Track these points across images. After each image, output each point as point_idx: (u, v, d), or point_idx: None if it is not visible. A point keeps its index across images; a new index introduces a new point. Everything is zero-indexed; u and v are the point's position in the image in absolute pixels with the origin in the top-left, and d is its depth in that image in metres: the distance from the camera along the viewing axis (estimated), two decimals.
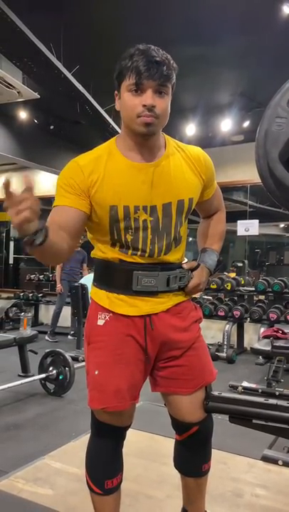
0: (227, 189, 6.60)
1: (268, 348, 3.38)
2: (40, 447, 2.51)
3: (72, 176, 1.27)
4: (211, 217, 1.55)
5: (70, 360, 3.61)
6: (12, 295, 7.78)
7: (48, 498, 1.91)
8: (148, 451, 2.36)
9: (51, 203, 1.28)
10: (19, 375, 3.96)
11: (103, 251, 1.34)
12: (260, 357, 4.84)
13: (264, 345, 3.66)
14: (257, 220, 6.09)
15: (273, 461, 2.26)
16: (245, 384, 3.51)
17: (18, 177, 8.23)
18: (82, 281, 5.50)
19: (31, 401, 3.55)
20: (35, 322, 7.16)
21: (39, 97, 4.56)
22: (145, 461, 2.25)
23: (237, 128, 6.01)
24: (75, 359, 4.00)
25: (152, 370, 1.40)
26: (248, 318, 5.41)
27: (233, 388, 3.50)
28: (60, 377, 3.62)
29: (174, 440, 1.50)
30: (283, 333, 3.35)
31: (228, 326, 5.35)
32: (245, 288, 5.75)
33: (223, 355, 5.08)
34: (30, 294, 7.40)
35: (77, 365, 3.70)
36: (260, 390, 3.36)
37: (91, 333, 1.37)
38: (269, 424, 1.45)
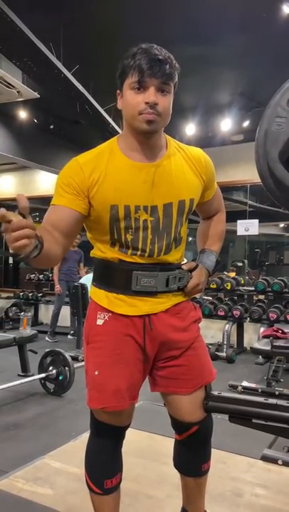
0: (227, 189, 6.60)
1: (268, 348, 3.37)
2: (40, 447, 2.51)
3: (71, 175, 1.27)
4: (210, 218, 1.55)
5: (69, 359, 3.61)
6: (12, 295, 7.78)
7: (48, 498, 1.91)
8: (148, 451, 2.37)
9: (50, 203, 1.28)
10: (19, 375, 3.96)
11: (102, 251, 1.34)
12: (260, 356, 4.84)
13: (264, 345, 3.66)
14: (257, 220, 6.08)
15: (273, 460, 2.26)
16: (244, 384, 3.52)
17: (18, 177, 8.25)
18: (82, 281, 5.50)
19: (31, 401, 3.55)
20: (35, 322, 7.15)
21: (39, 96, 4.56)
22: (145, 460, 2.25)
23: (237, 128, 6.01)
24: (75, 359, 4.00)
25: (152, 370, 1.40)
26: (248, 318, 5.41)
27: (233, 388, 3.51)
28: (60, 377, 3.62)
29: (173, 440, 1.50)
30: (283, 332, 3.35)
31: (227, 325, 5.35)
32: (245, 288, 5.75)
33: (223, 354, 5.08)
34: (30, 294, 7.40)
35: (76, 364, 3.70)
36: (259, 390, 3.37)
37: (90, 332, 1.37)
38: (269, 423, 1.45)
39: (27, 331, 4.05)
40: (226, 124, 5.91)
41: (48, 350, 3.80)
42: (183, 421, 1.41)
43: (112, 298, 1.34)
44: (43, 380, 3.69)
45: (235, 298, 5.74)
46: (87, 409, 1.40)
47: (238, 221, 6.11)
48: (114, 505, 1.42)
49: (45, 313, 7.38)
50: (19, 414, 3.23)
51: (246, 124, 5.90)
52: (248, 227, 6.05)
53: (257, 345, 3.89)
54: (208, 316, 5.48)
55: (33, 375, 3.78)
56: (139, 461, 2.23)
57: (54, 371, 3.64)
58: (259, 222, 6.07)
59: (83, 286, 5.17)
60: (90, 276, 1.68)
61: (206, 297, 5.89)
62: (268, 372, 3.75)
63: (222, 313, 5.47)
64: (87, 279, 5.47)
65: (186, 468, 1.48)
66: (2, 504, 1.88)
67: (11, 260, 9.17)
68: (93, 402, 1.35)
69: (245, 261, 7.27)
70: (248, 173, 6.05)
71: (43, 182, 7.64)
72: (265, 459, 2.28)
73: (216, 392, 1.45)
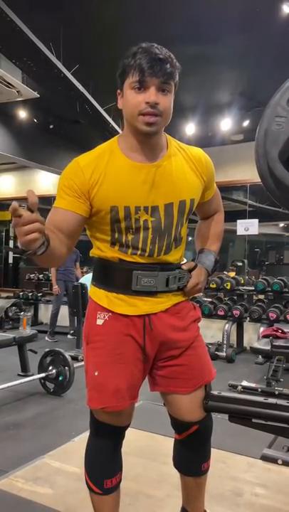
0: (227, 188, 6.60)
1: (268, 348, 3.37)
2: (40, 446, 2.51)
3: (72, 177, 1.27)
4: (209, 218, 1.55)
5: (69, 359, 3.61)
6: (12, 294, 7.78)
7: (48, 498, 1.91)
8: (148, 451, 2.37)
9: (50, 203, 1.28)
10: (19, 375, 3.96)
11: (102, 250, 1.34)
12: (260, 356, 4.84)
13: (263, 345, 3.66)
14: (256, 220, 6.09)
15: (273, 460, 2.26)
16: (244, 383, 3.52)
17: (18, 176, 8.25)
18: (81, 280, 5.50)
19: (31, 400, 3.55)
20: (35, 321, 7.15)
21: (39, 96, 4.56)
22: (145, 460, 2.26)
23: (237, 127, 6.00)
24: (75, 358, 4.00)
25: (151, 370, 1.40)
26: (248, 318, 5.42)
27: (233, 387, 3.51)
28: (60, 377, 3.62)
29: (173, 439, 1.50)
30: (283, 332, 3.35)
31: (227, 325, 5.35)
32: (245, 287, 5.75)
33: (223, 354, 5.08)
34: (30, 294, 7.40)
35: (76, 364, 3.70)
36: (259, 389, 3.37)
37: (90, 332, 1.37)
38: (268, 423, 1.45)
39: (27, 330, 4.05)
40: (225, 124, 5.91)
41: (47, 349, 3.80)
42: (183, 420, 1.41)
43: (112, 298, 1.34)
44: (42, 379, 3.69)
45: (235, 297, 5.74)
46: (87, 408, 1.40)
47: (238, 221, 6.11)
48: (114, 505, 1.42)
49: (45, 312, 7.38)
50: (19, 413, 3.23)
51: (246, 123, 5.90)
52: (248, 227, 6.06)
53: (257, 345, 3.89)
54: (208, 315, 5.48)
55: (32, 375, 3.78)
56: (139, 460, 2.23)
57: (54, 371, 3.64)
58: (259, 221, 6.08)
59: (83, 286, 5.17)
60: (90, 276, 1.68)
61: (205, 298, 5.89)
62: (267, 372, 3.75)
63: (222, 313, 5.47)
64: (86, 278, 5.47)
65: (186, 468, 1.48)
66: (2, 504, 1.88)
67: (11, 260, 9.17)
68: (93, 402, 1.35)
69: (245, 261, 7.27)
70: (247, 173, 6.05)
71: (43, 182, 7.64)
72: (265, 458, 2.28)
73: (215, 392, 1.45)
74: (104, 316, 1.34)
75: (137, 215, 1.27)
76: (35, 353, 4.04)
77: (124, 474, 1.45)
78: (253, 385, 3.52)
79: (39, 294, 7.37)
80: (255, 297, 5.82)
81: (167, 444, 1.64)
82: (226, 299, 5.82)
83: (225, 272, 6.81)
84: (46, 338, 6.02)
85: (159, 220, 1.29)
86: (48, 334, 6.10)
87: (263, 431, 1.51)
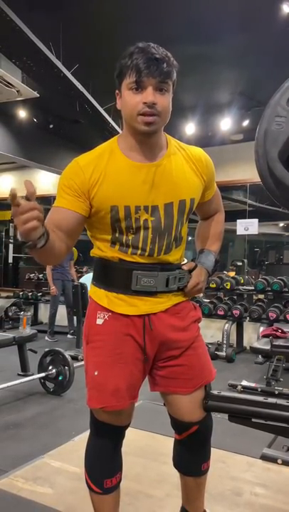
0: (227, 188, 6.60)
1: (268, 347, 3.38)
2: (40, 446, 2.51)
3: (72, 177, 1.27)
4: (209, 219, 1.55)
5: (69, 359, 3.61)
6: (11, 294, 7.77)
7: (48, 497, 1.91)
8: (148, 450, 2.37)
9: (50, 203, 1.28)
10: (19, 374, 3.96)
11: (102, 250, 1.34)
12: (260, 356, 4.84)
13: (263, 345, 3.66)
14: (256, 219, 6.09)
15: (272, 460, 2.26)
16: (244, 383, 3.52)
17: (18, 176, 8.24)
18: (81, 280, 5.51)
19: (31, 400, 3.55)
20: (35, 321, 7.15)
21: (38, 96, 4.56)
22: (145, 460, 2.26)
23: (236, 127, 6.01)
24: (75, 358, 4.00)
25: (151, 370, 1.40)
26: (248, 318, 5.42)
27: (233, 387, 3.51)
28: (60, 377, 3.62)
29: (173, 439, 1.50)
30: (282, 332, 3.36)
31: (227, 325, 5.35)
32: (245, 287, 5.75)
33: (223, 354, 5.08)
34: (30, 293, 7.40)
35: (76, 364, 3.70)
36: (259, 389, 3.37)
37: (90, 332, 1.37)
38: (268, 423, 1.46)
39: (27, 330, 4.04)
40: (225, 124, 5.91)
41: (47, 349, 3.80)
42: (183, 420, 1.41)
43: (112, 297, 1.34)
44: (42, 379, 3.69)
45: (235, 297, 5.74)
46: (86, 408, 1.40)
47: (238, 220, 6.11)
48: (114, 505, 1.42)
49: (45, 312, 7.37)
50: (19, 413, 3.23)
51: (246, 123, 5.90)
52: (248, 227, 6.06)
53: (256, 345, 3.89)
54: (207, 315, 5.48)
55: (32, 375, 3.78)
56: (139, 460, 2.24)
57: (54, 370, 3.64)
58: (259, 221, 6.08)
59: (83, 286, 5.17)
60: (90, 275, 1.69)
61: (205, 299, 5.89)
62: (267, 372, 3.75)
63: (222, 313, 5.47)
64: (86, 278, 5.47)
65: (186, 468, 1.48)
66: (2, 503, 1.88)
67: (11, 259, 9.16)
68: (93, 402, 1.35)
69: (245, 260, 7.27)
70: (247, 173, 6.05)
71: (43, 181, 7.63)
72: (265, 458, 2.28)
73: (215, 392, 1.45)
74: (104, 316, 1.34)
75: (137, 215, 1.27)
76: (35, 352, 4.04)
77: (124, 474, 1.45)
78: (252, 384, 3.52)
79: (39, 294, 7.37)
80: (254, 297, 5.82)
81: (167, 443, 1.64)
82: (226, 298, 5.82)
83: (225, 272, 6.81)
84: (46, 338, 6.02)
85: (159, 220, 1.29)
86: (48, 334, 6.10)
87: (263, 430, 1.52)
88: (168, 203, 1.30)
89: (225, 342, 5.23)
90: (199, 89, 5.19)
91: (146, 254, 1.31)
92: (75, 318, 5.77)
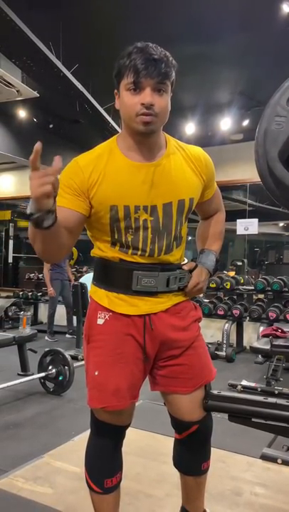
0: (226, 188, 6.60)
1: (267, 347, 3.37)
2: (40, 446, 2.51)
3: (71, 177, 1.27)
4: (210, 218, 1.54)
5: (69, 359, 3.61)
6: (11, 294, 7.77)
7: (48, 497, 1.91)
8: (148, 450, 2.37)
9: None
10: (18, 374, 3.96)
11: (103, 250, 1.34)
12: (260, 356, 4.84)
13: (263, 344, 3.66)
14: (256, 219, 6.09)
15: (272, 459, 2.26)
16: (244, 383, 3.53)
17: (18, 176, 8.24)
18: (81, 280, 5.50)
19: (31, 400, 3.55)
20: (35, 321, 7.16)
21: (38, 95, 4.57)
22: (145, 459, 2.26)
23: (236, 127, 6.01)
24: (75, 358, 4.00)
25: (152, 369, 1.40)
26: (248, 317, 5.41)
27: (233, 387, 3.51)
28: (60, 376, 3.62)
29: (173, 439, 1.50)
30: (282, 331, 3.35)
31: (227, 324, 5.35)
32: (245, 287, 5.75)
33: (223, 354, 5.08)
34: (30, 293, 7.39)
35: (76, 363, 3.70)
36: (259, 389, 3.37)
37: (90, 332, 1.37)
38: (268, 422, 1.46)
39: (26, 330, 4.04)
40: (225, 123, 5.91)
41: (47, 349, 3.79)
42: (183, 420, 1.41)
43: (113, 297, 1.33)
44: (42, 379, 3.69)
45: (235, 297, 5.74)
46: (86, 408, 1.40)
47: (238, 220, 6.11)
48: (114, 505, 1.42)
49: (45, 312, 7.35)
50: (19, 413, 3.23)
51: (246, 123, 5.90)
52: (248, 227, 6.06)
53: (256, 345, 3.89)
54: (207, 315, 5.48)
55: (32, 375, 3.78)
56: (139, 460, 2.24)
57: (54, 370, 3.63)
58: (259, 221, 6.08)
59: (83, 286, 5.17)
60: (90, 275, 1.69)
61: (205, 299, 5.89)
62: (267, 372, 3.75)
63: (222, 313, 5.46)
64: (87, 278, 5.47)
65: (186, 467, 1.49)
66: (2, 503, 1.88)
67: (11, 259, 9.16)
68: (93, 402, 1.35)
69: (245, 260, 7.28)
70: (247, 173, 6.04)
71: None
72: (265, 458, 2.28)
73: (215, 391, 1.45)
74: (104, 316, 1.34)
75: (136, 215, 1.27)
76: (35, 352, 4.04)
77: (124, 473, 1.45)
78: (252, 384, 3.52)
79: (39, 294, 7.36)
80: (254, 297, 5.81)
81: (167, 443, 1.64)
82: (226, 298, 5.81)
83: (225, 272, 6.81)
84: (46, 338, 6.02)
85: (158, 220, 1.29)
86: (48, 334, 6.10)
87: (263, 430, 1.52)
88: (167, 203, 1.29)
89: (225, 342, 5.23)
90: (199, 89, 5.19)
91: (147, 254, 1.31)
92: (74, 318, 5.77)
